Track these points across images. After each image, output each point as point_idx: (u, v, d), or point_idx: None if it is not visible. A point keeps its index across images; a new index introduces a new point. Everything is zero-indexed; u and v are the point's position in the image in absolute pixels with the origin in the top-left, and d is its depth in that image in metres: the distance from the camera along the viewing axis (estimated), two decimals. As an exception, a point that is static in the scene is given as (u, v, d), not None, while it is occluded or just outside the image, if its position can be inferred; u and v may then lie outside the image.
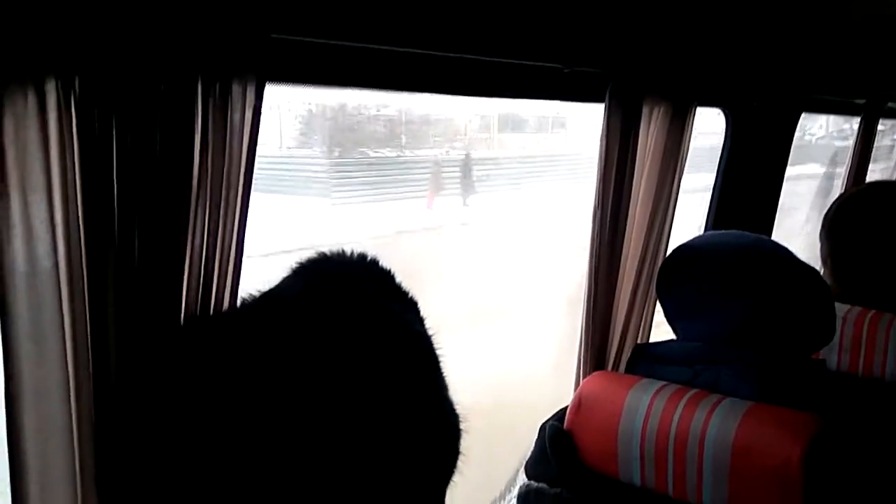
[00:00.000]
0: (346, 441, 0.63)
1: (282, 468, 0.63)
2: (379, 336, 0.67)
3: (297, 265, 0.74)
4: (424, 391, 0.69)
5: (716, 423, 1.06)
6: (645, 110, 1.29)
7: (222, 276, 0.78)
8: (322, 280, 0.71)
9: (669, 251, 1.30)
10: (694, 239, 1.27)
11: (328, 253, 0.74)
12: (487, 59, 1.02)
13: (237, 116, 0.74)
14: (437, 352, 0.71)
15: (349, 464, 0.63)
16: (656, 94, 1.28)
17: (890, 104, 2.27)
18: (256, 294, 0.73)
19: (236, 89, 0.73)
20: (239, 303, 0.75)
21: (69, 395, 0.66)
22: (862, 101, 2.17)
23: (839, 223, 1.63)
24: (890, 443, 1.34)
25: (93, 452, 0.68)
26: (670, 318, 1.27)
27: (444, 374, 0.72)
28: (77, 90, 0.61)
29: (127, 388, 0.69)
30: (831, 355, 1.61)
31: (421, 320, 0.74)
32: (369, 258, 0.76)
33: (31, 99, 0.58)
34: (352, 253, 0.75)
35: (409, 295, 0.78)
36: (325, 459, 0.63)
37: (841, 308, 1.56)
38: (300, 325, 0.66)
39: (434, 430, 0.69)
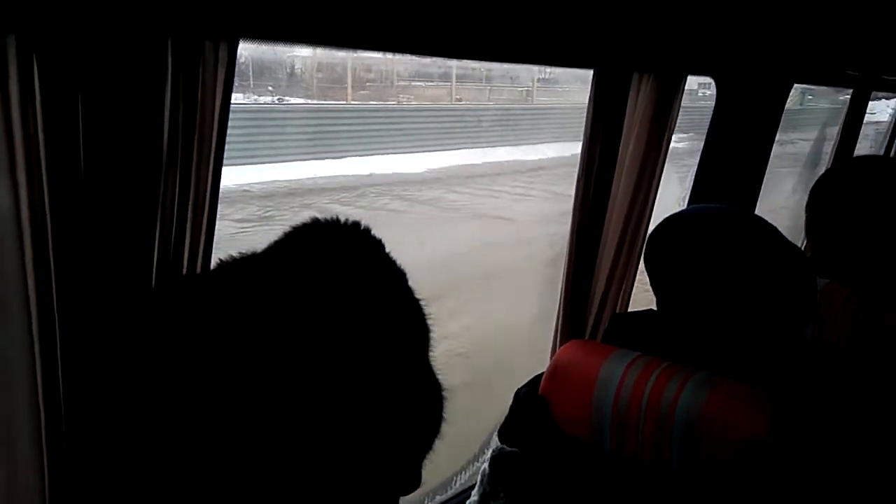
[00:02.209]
0: (330, 406, 0.63)
1: (261, 433, 0.63)
2: (371, 301, 0.66)
3: (290, 229, 0.72)
4: (413, 361, 0.69)
5: (686, 395, 1.08)
6: (634, 80, 1.27)
7: (195, 238, 0.77)
8: (312, 245, 0.70)
9: (653, 222, 1.30)
10: (682, 211, 1.27)
11: (321, 218, 0.73)
12: (482, 24, 1.00)
13: (209, 77, 0.72)
14: (427, 321, 0.71)
15: (332, 430, 0.64)
16: (645, 63, 1.26)
17: (884, 76, 2.24)
18: (237, 256, 0.72)
19: (208, 47, 0.71)
20: (217, 265, 0.74)
21: (35, 365, 0.66)
22: (854, 73, 2.15)
23: (821, 198, 1.63)
24: (849, 409, 1.37)
25: (62, 423, 0.68)
26: (655, 288, 1.28)
27: (432, 344, 0.72)
28: (39, 50, 0.59)
29: (98, 356, 0.69)
30: (807, 327, 1.62)
31: (410, 289, 0.74)
32: (362, 226, 0.75)
33: (-10, 57, 0.56)
34: (345, 220, 0.74)
35: (399, 265, 0.77)
36: (307, 427, 0.63)
37: (820, 282, 1.57)
38: (285, 290, 0.65)
39: (420, 398, 0.70)
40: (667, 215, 1.30)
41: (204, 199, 0.75)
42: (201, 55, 0.71)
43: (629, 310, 1.47)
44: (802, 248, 1.63)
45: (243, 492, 0.64)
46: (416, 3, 0.90)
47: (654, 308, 1.28)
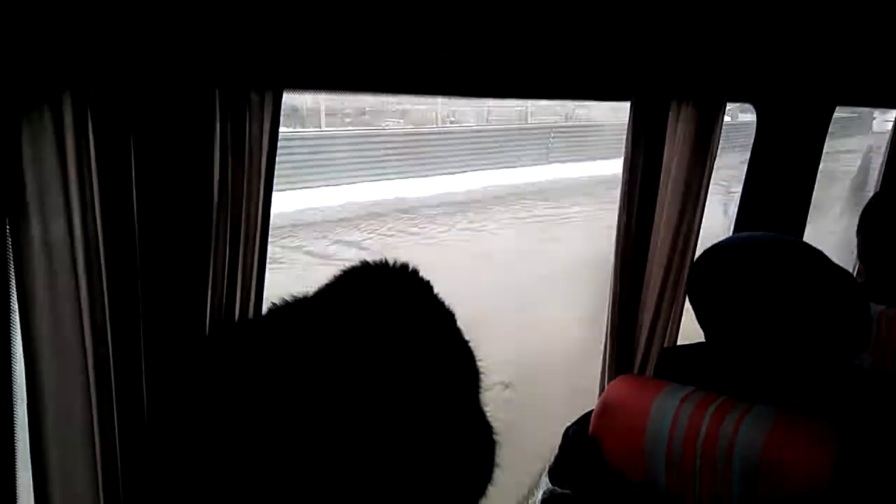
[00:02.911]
0: (385, 454, 0.63)
1: (311, 480, 0.63)
2: (420, 345, 0.66)
3: (340, 273, 0.73)
4: (464, 404, 0.68)
5: (745, 430, 1.03)
6: (673, 107, 1.26)
7: (246, 285, 0.77)
8: (364, 289, 0.70)
9: (698, 251, 1.27)
10: (725, 240, 1.24)
11: (371, 262, 0.73)
12: (518, 62, 1.00)
13: (255, 125, 0.74)
14: (477, 363, 0.70)
15: (387, 476, 0.63)
16: (684, 92, 1.25)
17: None
18: (290, 299, 0.72)
19: (254, 99, 0.73)
20: (269, 309, 0.74)
21: (91, 408, 0.66)
22: None
23: (870, 223, 1.58)
24: None
25: (117, 459, 0.68)
26: (700, 320, 1.24)
27: (483, 387, 0.71)
28: (93, 104, 0.61)
29: (154, 399, 0.69)
30: (865, 355, 1.56)
31: (460, 331, 0.73)
32: (410, 268, 0.75)
33: (47, 116, 0.58)
34: (394, 263, 0.74)
35: (447, 306, 0.77)
36: (361, 472, 0.63)
37: (875, 308, 1.51)
38: (337, 334, 0.65)
39: (473, 444, 0.69)
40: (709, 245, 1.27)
41: (255, 240, 0.76)
42: (247, 104, 0.72)
43: (678, 342, 1.43)
44: (855, 274, 1.58)
45: None
46: (454, 46, 0.91)
47: (704, 340, 1.25)
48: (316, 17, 0.77)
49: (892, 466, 1.08)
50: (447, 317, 0.74)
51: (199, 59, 0.67)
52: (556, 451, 1.22)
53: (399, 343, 0.65)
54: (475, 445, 0.71)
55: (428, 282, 0.76)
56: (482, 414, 0.72)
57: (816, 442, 0.98)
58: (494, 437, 0.73)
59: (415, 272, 0.75)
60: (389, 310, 0.68)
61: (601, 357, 1.32)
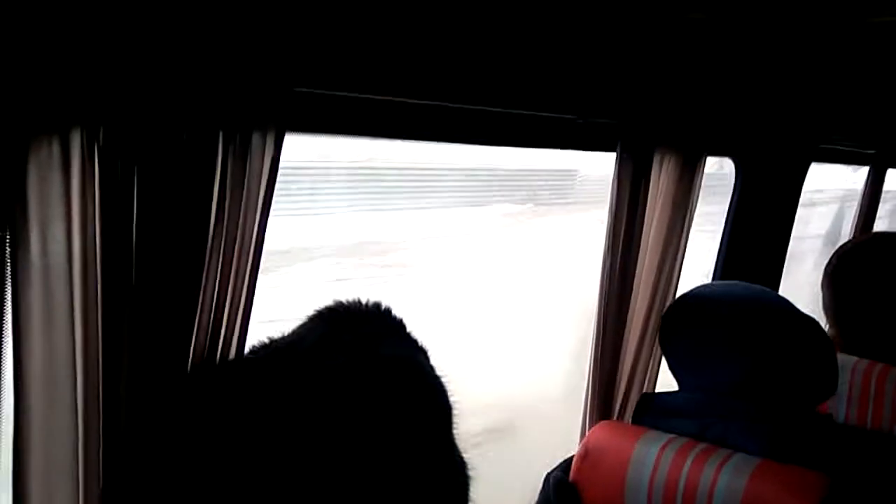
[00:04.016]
0: (360, 491, 0.63)
1: None
2: (397, 385, 0.67)
3: (314, 312, 0.74)
4: (438, 440, 0.69)
5: (724, 479, 1.05)
6: (656, 159, 1.30)
7: (231, 323, 0.78)
8: (339, 328, 0.72)
9: (679, 300, 1.30)
10: (696, 288, 1.27)
11: (344, 301, 0.75)
12: (504, 110, 1.04)
13: (256, 165, 0.75)
14: (450, 399, 0.71)
15: None
16: (667, 144, 1.29)
17: None
18: (267, 341, 0.74)
19: (256, 140, 0.74)
20: (250, 351, 0.75)
21: (77, 441, 0.66)
22: (872, 152, 2.18)
23: (841, 274, 1.61)
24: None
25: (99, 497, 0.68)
26: (672, 368, 1.26)
27: (456, 422, 0.72)
28: (101, 140, 0.63)
29: (135, 437, 0.69)
30: (839, 408, 1.58)
31: (432, 368, 0.74)
32: (383, 307, 0.77)
33: (56, 149, 0.60)
34: (367, 301, 0.76)
35: (420, 343, 0.78)
36: None
37: (849, 360, 1.54)
38: (316, 375, 0.66)
39: (446, 478, 0.70)
40: (678, 295, 1.29)
41: (244, 280, 0.77)
42: (249, 145, 0.74)
43: (656, 389, 1.45)
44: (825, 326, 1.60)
45: None
46: (452, 96, 0.95)
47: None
48: (317, 65, 0.80)
49: None
50: (420, 353, 0.76)
51: (204, 103, 0.69)
52: (537, 496, 1.22)
53: (370, 385, 0.66)
54: (448, 481, 0.71)
55: (401, 320, 0.77)
56: (455, 449, 0.73)
57: (797, 489, 0.99)
58: (467, 472, 0.73)
59: (388, 310, 0.77)
60: (360, 351, 0.69)
61: (583, 401, 1.33)
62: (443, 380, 0.73)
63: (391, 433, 0.66)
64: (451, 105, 0.96)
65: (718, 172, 1.71)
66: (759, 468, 1.04)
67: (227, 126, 0.71)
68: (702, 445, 1.11)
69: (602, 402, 1.33)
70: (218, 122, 0.70)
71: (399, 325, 0.77)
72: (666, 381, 1.40)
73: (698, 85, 1.33)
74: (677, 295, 1.37)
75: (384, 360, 0.69)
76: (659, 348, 1.42)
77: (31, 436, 0.64)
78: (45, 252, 0.60)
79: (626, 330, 1.36)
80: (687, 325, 1.21)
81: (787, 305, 1.20)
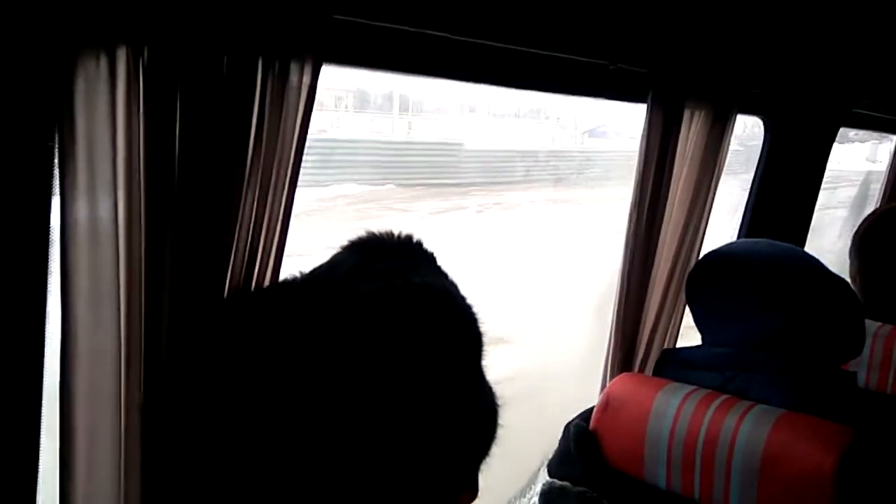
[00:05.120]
0: (390, 415, 0.64)
1: (320, 443, 0.64)
2: (429, 311, 0.68)
3: (348, 243, 0.75)
4: (469, 366, 0.70)
5: (746, 429, 1.05)
6: (686, 113, 1.29)
7: (267, 249, 0.79)
8: (371, 258, 0.72)
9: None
10: (725, 245, 1.26)
11: (377, 232, 0.75)
12: (535, 51, 1.03)
13: (293, 95, 0.76)
14: (480, 329, 0.72)
15: (390, 438, 0.64)
16: (698, 97, 1.28)
17: None
18: (305, 272, 0.75)
19: (294, 68, 0.75)
20: (286, 279, 0.76)
21: (119, 361, 0.68)
22: None
23: (869, 241, 1.61)
24: None
25: (139, 415, 0.69)
26: (699, 323, 1.26)
27: (486, 351, 0.73)
28: (146, 59, 0.63)
29: (174, 360, 0.71)
30: (861, 372, 1.59)
31: (463, 298, 0.75)
32: (415, 239, 0.77)
33: (104, 64, 0.60)
34: (399, 233, 0.76)
35: (450, 276, 0.79)
36: (366, 434, 0.64)
37: (871, 325, 1.54)
38: (349, 301, 0.67)
39: (477, 404, 0.71)
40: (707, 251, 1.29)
41: (279, 207, 0.78)
42: (287, 75, 0.74)
43: (678, 345, 1.45)
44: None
45: (299, 496, 0.65)
46: (486, 33, 0.94)
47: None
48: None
49: (894, 476, 1.09)
50: (450, 285, 0.76)
51: (243, 27, 0.69)
52: (557, 444, 1.23)
53: (402, 313, 0.67)
54: (479, 407, 0.72)
55: (432, 253, 0.78)
56: (484, 378, 0.74)
57: (821, 440, 0.99)
58: (497, 400, 0.75)
59: (419, 243, 0.77)
60: (392, 280, 0.69)
61: (604, 354, 1.34)
62: (474, 310, 0.74)
63: (424, 358, 0.67)
64: (483, 42, 0.95)
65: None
66: (781, 418, 1.04)
67: (267, 52, 0.71)
68: (723, 396, 1.11)
69: (624, 355, 1.34)
70: (257, 48, 0.70)
71: (430, 256, 0.78)
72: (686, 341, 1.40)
73: (733, 39, 1.31)
74: (702, 251, 1.37)
75: (416, 287, 0.69)
76: (682, 304, 1.42)
77: (76, 357, 0.66)
78: (91, 164, 0.61)
79: (650, 285, 1.36)
80: (716, 280, 1.20)
81: (816, 263, 1.19)
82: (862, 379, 1.58)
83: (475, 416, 0.71)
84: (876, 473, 1.02)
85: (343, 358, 0.65)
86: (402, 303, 0.68)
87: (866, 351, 1.53)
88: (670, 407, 1.12)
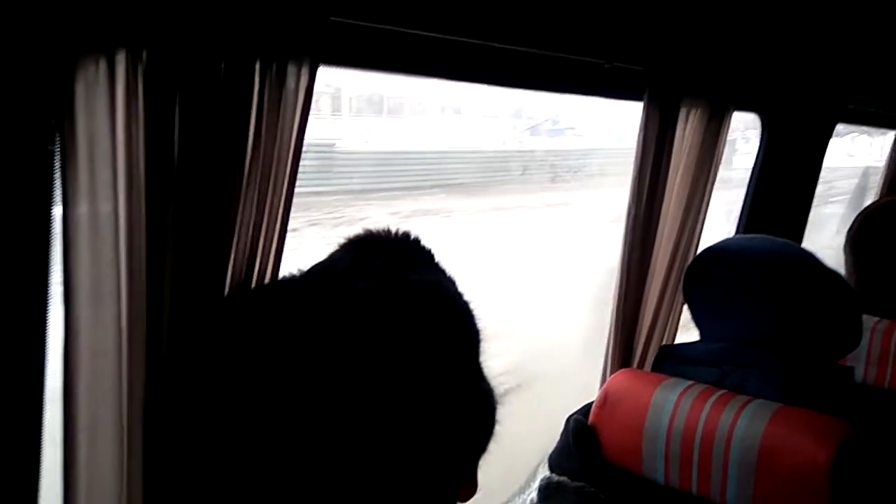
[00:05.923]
0: (389, 411, 0.65)
1: (319, 440, 0.65)
2: (426, 308, 0.68)
3: (345, 241, 0.76)
4: (467, 364, 0.71)
5: (743, 423, 1.06)
6: (682, 110, 1.30)
7: (267, 249, 0.80)
8: (369, 255, 0.73)
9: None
10: (722, 241, 1.27)
11: (374, 230, 0.76)
12: (531, 50, 1.04)
13: (290, 96, 0.76)
14: (477, 325, 0.73)
15: (389, 433, 0.65)
16: (694, 95, 1.29)
17: None
18: (304, 269, 0.75)
19: (291, 70, 0.75)
20: (285, 277, 0.77)
21: (121, 360, 0.69)
22: None
23: (864, 235, 1.61)
24: None
25: (141, 413, 0.70)
26: (696, 318, 1.27)
27: (484, 347, 0.73)
28: (144, 63, 0.64)
29: (175, 359, 0.72)
30: (858, 367, 1.59)
31: (460, 294, 0.76)
32: (412, 237, 0.78)
33: (103, 68, 0.61)
34: (396, 231, 0.77)
35: (448, 272, 0.79)
36: (364, 431, 0.65)
37: (869, 320, 1.54)
38: (347, 298, 0.68)
39: (474, 403, 0.71)
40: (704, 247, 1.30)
41: (278, 208, 0.79)
42: (284, 77, 0.75)
43: (676, 341, 1.46)
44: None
45: (300, 493, 0.66)
46: (482, 33, 0.95)
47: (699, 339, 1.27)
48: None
49: (891, 471, 1.10)
50: (448, 282, 0.77)
51: (241, 30, 0.70)
52: (557, 439, 1.24)
53: (399, 311, 0.67)
54: (476, 405, 0.73)
55: (429, 250, 0.78)
56: (482, 374, 0.74)
57: (817, 434, 1.00)
58: (494, 397, 0.75)
59: (416, 240, 0.78)
60: (390, 279, 0.70)
61: (604, 349, 1.35)
62: (471, 307, 0.74)
63: (421, 355, 0.67)
64: (479, 42, 0.96)
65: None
66: (778, 413, 1.05)
67: (264, 54, 0.72)
68: (721, 392, 1.12)
69: (623, 351, 1.35)
70: (255, 51, 0.71)
71: (428, 254, 0.78)
72: (684, 337, 1.41)
73: (729, 36, 1.32)
74: (700, 247, 1.37)
75: (414, 285, 0.70)
76: (680, 301, 1.43)
77: (79, 352, 0.67)
78: (91, 167, 0.62)
79: (648, 281, 1.37)
80: (713, 275, 1.21)
81: (813, 259, 1.20)
82: (860, 374, 1.59)
83: (474, 411, 0.72)
84: (871, 467, 1.03)
85: (342, 355, 0.66)
86: (399, 300, 0.68)
87: (864, 346, 1.54)
88: (668, 402, 1.13)
